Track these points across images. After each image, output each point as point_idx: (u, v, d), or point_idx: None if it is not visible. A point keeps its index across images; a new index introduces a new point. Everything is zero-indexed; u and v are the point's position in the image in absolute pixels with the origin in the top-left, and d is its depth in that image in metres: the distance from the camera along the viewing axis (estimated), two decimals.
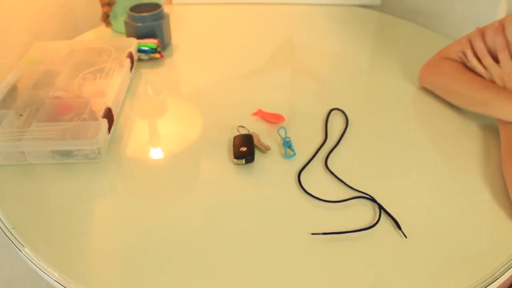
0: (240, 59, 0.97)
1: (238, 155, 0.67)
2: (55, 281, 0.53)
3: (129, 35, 0.97)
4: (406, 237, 0.57)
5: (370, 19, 1.17)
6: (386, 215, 0.60)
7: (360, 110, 0.81)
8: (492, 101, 0.71)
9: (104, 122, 0.68)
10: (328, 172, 0.67)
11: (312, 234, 0.57)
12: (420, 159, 0.70)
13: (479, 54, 0.75)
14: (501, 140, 0.70)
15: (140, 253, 0.55)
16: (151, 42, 0.94)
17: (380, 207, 0.61)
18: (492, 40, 0.74)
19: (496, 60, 0.74)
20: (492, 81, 0.74)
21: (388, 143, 0.73)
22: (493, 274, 0.53)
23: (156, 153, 0.71)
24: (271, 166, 0.68)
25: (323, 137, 0.74)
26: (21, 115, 0.70)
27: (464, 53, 0.77)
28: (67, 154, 0.67)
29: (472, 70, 0.77)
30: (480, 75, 0.76)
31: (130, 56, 0.87)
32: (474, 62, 0.76)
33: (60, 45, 0.90)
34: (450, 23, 1.13)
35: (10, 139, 0.65)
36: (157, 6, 0.97)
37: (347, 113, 0.79)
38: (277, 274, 0.53)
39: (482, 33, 0.76)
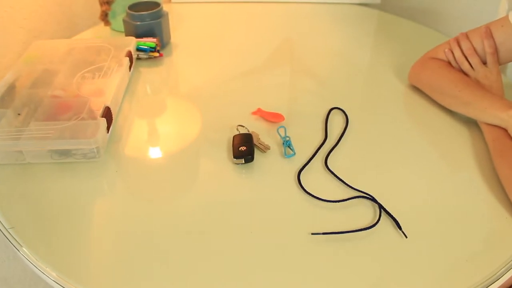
0: (239, 58, 0.97)
1: (237, 155, 0.67)
2: (54, 281, 0.53)
3: (128, 33, 0.97)
4: (406, 237, 0.57)
5: (370, 18, 1.16)
6: (387, 215, 0.60)
7: (360, 109, 0.80)
8: (474, 104, 0.71)
9: (103, 121, 0.68)
10: (328, 171, 0.66)
11: (312, 234, 0.57)
12: (421, 158, 0.69)
13: (467, 53, 0.76)
14: (487, 142, 0.70)
15: (138, 253, 0.55)
16: (150, 41, 0.94)
17: (380, 207, 0.60)
18: (479, 43, 0.74)
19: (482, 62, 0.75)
20: (476, 80, 0.75)
21: (389, 143, 0.73)
22: (495, 274, 0.53)
23: (155, 153, 0.71)
24: (270, 166, 0.68)
25: (323, 137, 0.73)
26: (19, 114, 0.70)
27: (450, 50, 0.78)
28: (65, 153, 0.67)
29: (458, 70, 0.78)
30: (465, 74, 0.77)
31: (129, 55, 0.87)
32: (461, 59, 0.76)
33: (58, 44, 0.90)
34: (450, 21, 1.12)
35: (8, 138, 0.65)
36: (156, 4, 0.96)
37: (347, 112, 0.79)
38: (277, 274, 0.52)
39: (467, 36, 0.76)
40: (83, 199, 0.62)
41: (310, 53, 0.99)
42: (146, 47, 0.93)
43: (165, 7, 0.99)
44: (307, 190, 0.63)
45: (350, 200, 0.62)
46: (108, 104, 0.71)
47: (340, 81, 0.89)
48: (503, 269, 0.53)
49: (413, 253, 0.55)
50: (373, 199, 0.62)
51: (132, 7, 0.96)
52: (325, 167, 0.67)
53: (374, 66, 0.94)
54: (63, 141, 0.65)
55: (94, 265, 0.54)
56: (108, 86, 0.76)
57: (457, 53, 0.77)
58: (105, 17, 1.03)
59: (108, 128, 0.71)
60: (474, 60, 0.75)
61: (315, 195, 0.62)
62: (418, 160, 0.69)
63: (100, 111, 0.70)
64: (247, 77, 0.90)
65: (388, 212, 0.60)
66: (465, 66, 0.76)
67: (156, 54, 0.95)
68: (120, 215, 0.60)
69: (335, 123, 0.77)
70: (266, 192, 0.63)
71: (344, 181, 0.65)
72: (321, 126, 0.76)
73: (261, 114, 0.78)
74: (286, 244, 0.56)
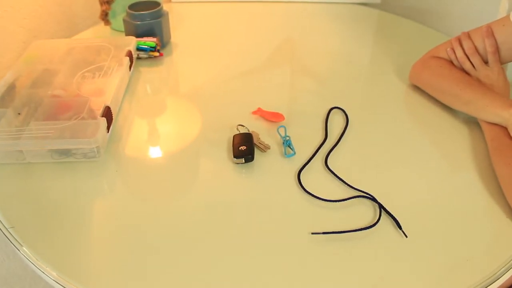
0: (239, 58, 0.97)
1: (237, 154, 0.67)
2: (54, 280, 0.53)
3: (128, 33, 0.97)
4: (406, 236, 0.57)
5: (370, 17, 1.16)
6: (387, 215, 0.60)
7: (360, 109, 0.80)
8: (475, 102, 0.72)
9: (103, 121, 0.68)
10: (328, 171, 0.66)
11: (312, 233, 0.57)
12: (421, 158, 0.69)
13: (468, 52, 0.76)
14: (486, 141, 0.70)
15: (138, 253, 0.55)
16: (150, 41, 0.94)
17: (381, 206, 0.60)
18: (481, 42, 0.75)
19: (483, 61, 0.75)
20: (478, 80, 0.75)
21: (389, 142, 0.73)
22: (495, 274, 0.53)
23: (155, 152, 0.71)
24: (270, 165, 0.68)
25: (323, 136, 0.73)
26: (19, 113, 0.70)
27: (452, 49, 0.78)
28: (65, 153, 0.67)
29: (459, 69, 0.78)
30: (467, 73, 0.77)
31: (129, 54, 0.87)
32: (463, 59, 0.76)
33: (58, 44, 0.90)
34: (450, 21, 1.12)
35: (9, 137, 0.65)
36: (157, 4, 0.96)
37: (347, 112, 0.79)
38: (277, 274, 0.52)
39: (469, 35, 0.77)
40: (83, 199, 0.62)
41: (310, 53, 0.99)
42: (146, 46, 0.93)
43: (165, 7, 0.99)
44: (307, 189, 0.63)
45: (350, 200, 0.62)
46: (108, 103, 0.71)
47: (340, 81, 0.89)
48: (503, 269, 0.53)
49: (413, 253, 0.55)
50: (373, 199, 0.62)
51: (132, 6, 0.96)
52: (325, 166, 0.67)
53: (374, 66, 0.94)
54: (63, 141, 0.65)
55: (94, 265, 0.54)
56: (108, 86, 0.76)
57: (459, 53, 0.77)
58: (105, 17, 1.03)
59: (108, 128, 0.71)
60: (476, 60, 0.75)
61: (315, 194, 0.62)
62: (418, 160, 0.69)
63: (100, 111, 0.70)
64: (247, 77, 0.90)
65: (388, 211, 0.60)
66: (467, 66, 0.76)
67: (156, 54, 0.95)
68: (120, 215, 0.60)
69: (335, 123, 0.77)
70: (266, 192, 0.63)
71: (344, 180, 0.65)
72: (321, 125, 0.76)
73: (261, 113, 0.78)
74: (286, 243, 0.56)
